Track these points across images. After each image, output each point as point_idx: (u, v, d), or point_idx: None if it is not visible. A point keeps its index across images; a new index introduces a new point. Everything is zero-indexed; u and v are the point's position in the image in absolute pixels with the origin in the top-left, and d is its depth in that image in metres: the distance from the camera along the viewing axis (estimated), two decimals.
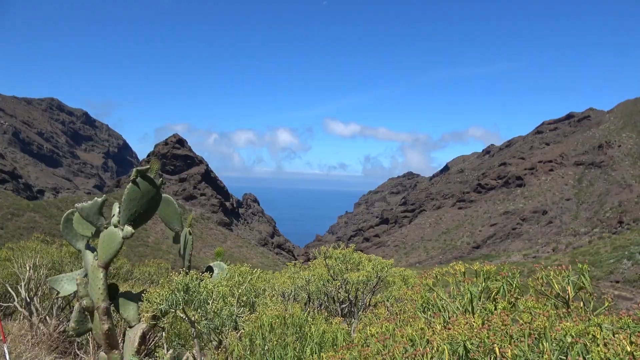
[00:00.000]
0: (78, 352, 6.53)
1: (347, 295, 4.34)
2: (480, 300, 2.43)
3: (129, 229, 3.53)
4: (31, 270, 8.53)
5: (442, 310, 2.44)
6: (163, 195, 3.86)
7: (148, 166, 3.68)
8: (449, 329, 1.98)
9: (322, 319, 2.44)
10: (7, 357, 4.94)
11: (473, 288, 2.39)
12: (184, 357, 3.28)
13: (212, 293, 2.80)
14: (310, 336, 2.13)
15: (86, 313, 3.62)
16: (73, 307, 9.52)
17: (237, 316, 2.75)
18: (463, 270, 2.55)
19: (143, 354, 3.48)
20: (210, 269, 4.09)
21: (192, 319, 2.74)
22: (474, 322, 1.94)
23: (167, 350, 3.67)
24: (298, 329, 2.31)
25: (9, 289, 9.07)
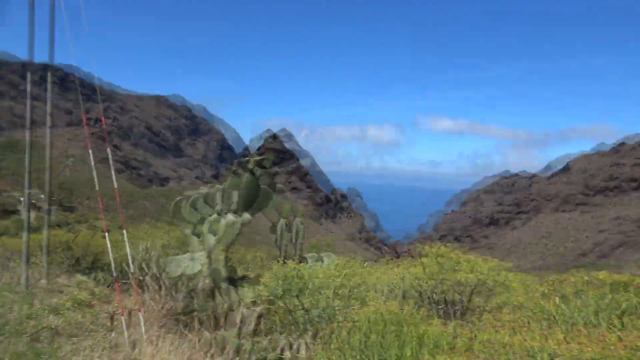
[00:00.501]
0: (183, 330, 7.04)
1: (443, 296, 4.17)
2: (606, 314, 2.16)
3: (246, 215, 3.70)
4: (143, 252, 9.37)
5: (561, 320, 2.20)
6: (263, 186, 3.99)
7: (248, 158, 3.81)
8: (573, 342, 1.75)
9: (422, 318, 2.34)
10: (125, 327, 5.44)
11: (599, 299, 2.12)
12: (296, 344, 3.36)
13: (309, 284, 2.82)
14: (410, 336, 2.05)
15: (206, 293, 3.87)
16: (179, 287, 10.31)
17: (339, 308, 2.75)
18: (586, 278, 2.28)
19: (259, 335, 3.63)
20: (304, 260, 4.14)
21: (290, 307, 2.78)
22: (607, 338, 1.69)
23: (280, 334, 3.78)
24: (397, 327, 2.23)
25: (125, 266, 10.05)
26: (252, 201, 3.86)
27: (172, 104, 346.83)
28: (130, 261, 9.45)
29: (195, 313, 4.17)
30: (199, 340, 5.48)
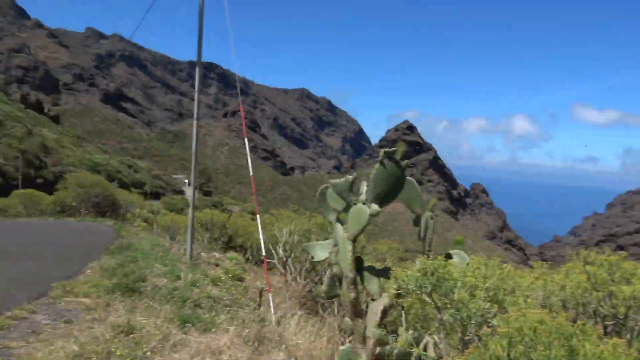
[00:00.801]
0: (322, 313, 7.35)
1: (614, 311, 3.63)
2: None
3: (375, 206, 3.69)
4: (287, 235, 10.03)
5: None
6: (407, 177, 3.89)
7: (395, 148, 3.75)
8: None
9: (596, 335, 2.04)
10: (272, 304, 5.85)
11: None
12: (424, 341, 3.26)
13: (459, 282, 2.67)
14: (584, 355, 1.79)
15: (335, 280, 3.96)
16: (318, 271, 10.81)
17: (485, 311, 2.56)
18: None
19: (385, 328, 3.61)
20: (449, 257, 3.95)
21: (437, 304, 2.68)
22: None
23: (407, 330, 3.71)
24: (565, 342, 1.98)
25: (271, 247, 10.85)
26: (394, 191, 3.78)
27: (313, 95, 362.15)
28: (279, 243, 10.16)
29: (336, 298, 4.27)
30: (339, 325, 5.63)
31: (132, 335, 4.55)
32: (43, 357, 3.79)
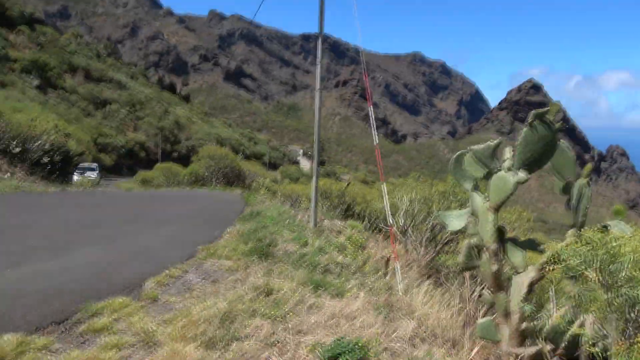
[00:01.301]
0: (445, 283, 7.16)
1: None
2: None
3: (522, 174, 3.37)
4: (407, 203, 9.89)
5: None
6: (559, 141, 3.49)
7: (547, 109, 3.36)
8: None
9: None
10: (398, 272, 5.82)
11: None
12: (580, 319, 2.95)
13: (629, 257, 2.32)
14: None
15: (474, 250, 3.77)
16: (439, 240, 10.52)
17: None
18: None
19: (531, 302, 3.36)
20: (605, 228, 3.49)
21: (606, 281, 2.37)
22: None
23: (554, 306, 3.40)
24: None
25: (390, 216, 10.80)
26: (544, 157, 3.41)
27: (426, 59, 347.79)
28: (399, 212, 10.07)
29: (474, 270, 4.07)
30: (478, 298, 5.40)
31: (271, 297, 4.86)
32: (199, 311, 4.22)
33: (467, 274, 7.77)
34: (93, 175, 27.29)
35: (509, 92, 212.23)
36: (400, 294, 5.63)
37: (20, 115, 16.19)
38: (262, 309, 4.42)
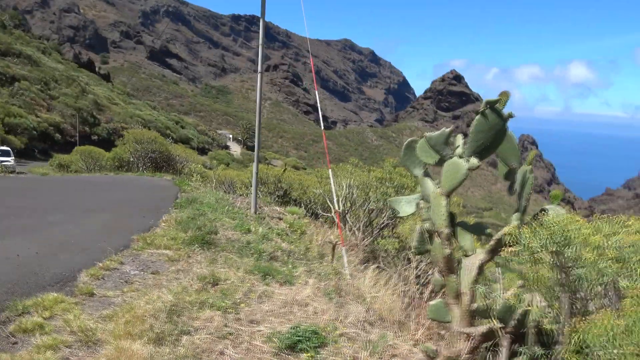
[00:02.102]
0: (383, 266, 7.35)
1: None
2: None
3: (474, 160, 3.49)
4: (346, 189, 10.00)
5: None
6: (510, 131, 3.65)
7: (498, 98, 3.48)
8: None
9: None
10: (345, 257, 5.87)
11: None
12: (528, 298, 3.13)
13: (581, 239, 2.47)
14: None
15: (425, 235, 3.86)
16: (375, 225, 10.78)
17: (613, 271, 2.38)
18: None
19: (480, 284, 3.51)
20: (545, 212, 3.72)
21: (562, 263, 2.51)
22: None
23: (501, 287, 3.60)
24: None
25: (328, 201, 10.88)
26: (494, 144, 3.56)
27: (356, 46, 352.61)
28: (338, 197, 10.14)
29: (426, 254, 4.19)
30: (417, 280, 5.59)
31: (218, 287, 4.69)
32: (143, 305, 3.96)
33: (407, 257, 8.04)
34: (9, 161, 24.79)
35: (433, 82, 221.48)
36: (349, 278, 5.68)
37: None
38: (211, 300, 4.25)
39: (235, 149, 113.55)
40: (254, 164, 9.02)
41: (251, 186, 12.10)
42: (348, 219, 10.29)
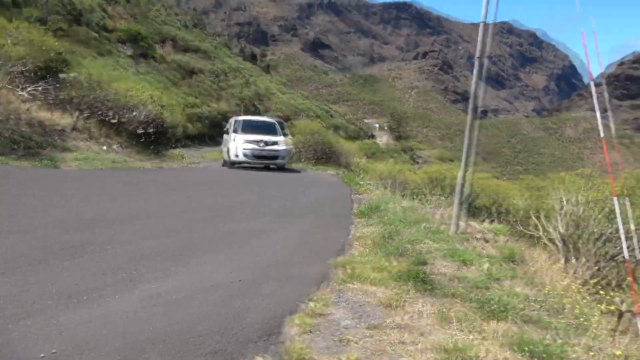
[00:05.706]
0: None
1: None
2: None
3: None
4: (571, 204, 7.72)
5: None
6: None
7: None
8: None
9: None
10: None
11: None
12: None
13: None
14: None
15: None
16: (608, 256, 8.21)
17: None
18: None
19: None
20: None
21: None
22: None
23: None
24: None
25: (534, 218, 8.70)
26: None
27: (515, 29, 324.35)
28: (555, 215, 7.90)
29: None
30: None
31: None
32: None
33: None
34: (279, 151, 16.36)
35: (609, 66, 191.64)
36: None
37: (117, 84, 15.71)
38: None
39: (381, 139, 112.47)
40: (460, 171, 7.30)
41: (429, 189, 10.46)
42: (570, 246, 7.95)
